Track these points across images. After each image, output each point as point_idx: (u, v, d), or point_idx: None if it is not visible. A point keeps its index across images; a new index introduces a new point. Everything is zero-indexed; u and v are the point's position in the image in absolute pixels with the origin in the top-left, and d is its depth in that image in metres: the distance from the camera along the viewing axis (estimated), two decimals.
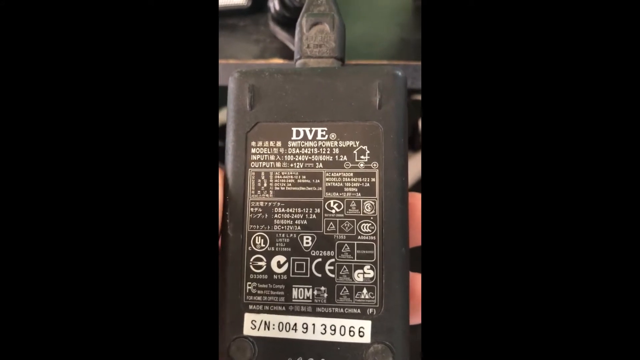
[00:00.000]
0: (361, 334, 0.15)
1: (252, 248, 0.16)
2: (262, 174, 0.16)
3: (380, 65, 0.17)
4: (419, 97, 0.44)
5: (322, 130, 0.16)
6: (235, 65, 0.32)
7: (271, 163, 0.16)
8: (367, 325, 0.15)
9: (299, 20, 0.18)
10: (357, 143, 0.16)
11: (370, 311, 0.15)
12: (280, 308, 0.16)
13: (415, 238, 0.17)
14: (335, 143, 0.16)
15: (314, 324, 0.15)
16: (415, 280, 0.17)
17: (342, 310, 0.15)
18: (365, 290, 0.15)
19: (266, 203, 0.16)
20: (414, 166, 0.44)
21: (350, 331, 0.15)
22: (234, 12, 0.31)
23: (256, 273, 0.16)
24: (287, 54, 0.30)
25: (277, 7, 0.31)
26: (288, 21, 0.32)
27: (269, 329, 0.15)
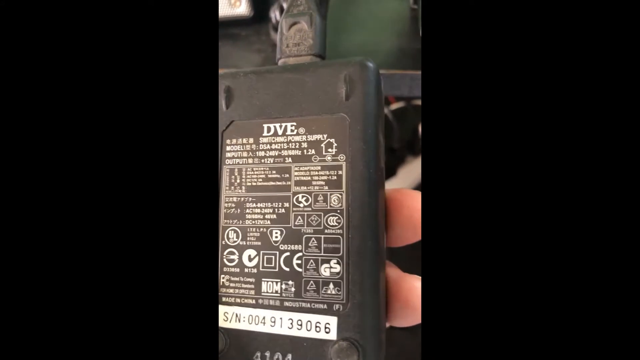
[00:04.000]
0: (327, 330, 0.15)
1: (225, 242, 0.16)
2: (236, 170, 0.17)
3: (350, 57, 0.17)
4: (419, 102, 0.44)
5: (292, 125, 0.16)
6: None
7: (244, 160, 0.17)
8: (333, 321, 0.15)
9: (279, 22, 0.19)
10: (325, 136, 0.16)
11: (337, 307, 0.15)
12: (250, 301, 0.16)
13: (406, 237, 0.17)
14: (304, 137, 0.16)
15: (281, 318, 0.15)
16: (407, 280, 0.16)
17: (308, 305, 0.15)
18: (331, 285, 0.15)
19: (239, 198, 0.17)
20: (416, 169, 0.44)
21: (316, 327, 0.15)
22: (237, 22, 0.32)
23: (229, 266, 0.16)
24: None
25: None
26: None
27: (239, 321, 0.16)
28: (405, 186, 0.44)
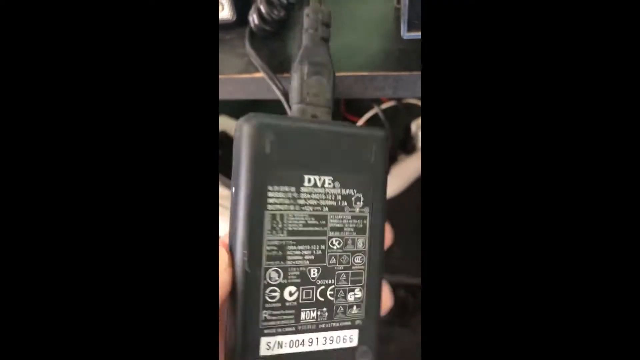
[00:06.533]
0: (351, 340, 0.20)
1: (267, 281, 0.19)
2: (278, 215, 0.19)
3: (374, 128, 0.20)
4: (410, 100, 0.45)
5: (329, 179, 0.19)
6: (221, 80, 0.32)
7: (285, 206, 0.19)
8: (355, 333, 0.20)
9: (297, 64, 0.20)
10: (355, 191, 0.20)
11: (357, 322, 0.20)
12: (291, 329, 0.19)
13: None
14: (339, 190, 0.20)
15: (317, 338, 0.19)
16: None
17: (338, 324, 0.20)
18: (355, 307, 0.20)
19: (280, 242, 0.19)
20: (408, 167, 0.46)
21: (343, 339, 0.20)
22: (220, 26, 0.31)
23: (271, 302, 0.19)
24: (270, 69, 0.31)
25: (257, 21, 0.31)
26: (267, 35, 0.32)
27: (281, 347, 0.19)
28: (399, 184, 0.44)
